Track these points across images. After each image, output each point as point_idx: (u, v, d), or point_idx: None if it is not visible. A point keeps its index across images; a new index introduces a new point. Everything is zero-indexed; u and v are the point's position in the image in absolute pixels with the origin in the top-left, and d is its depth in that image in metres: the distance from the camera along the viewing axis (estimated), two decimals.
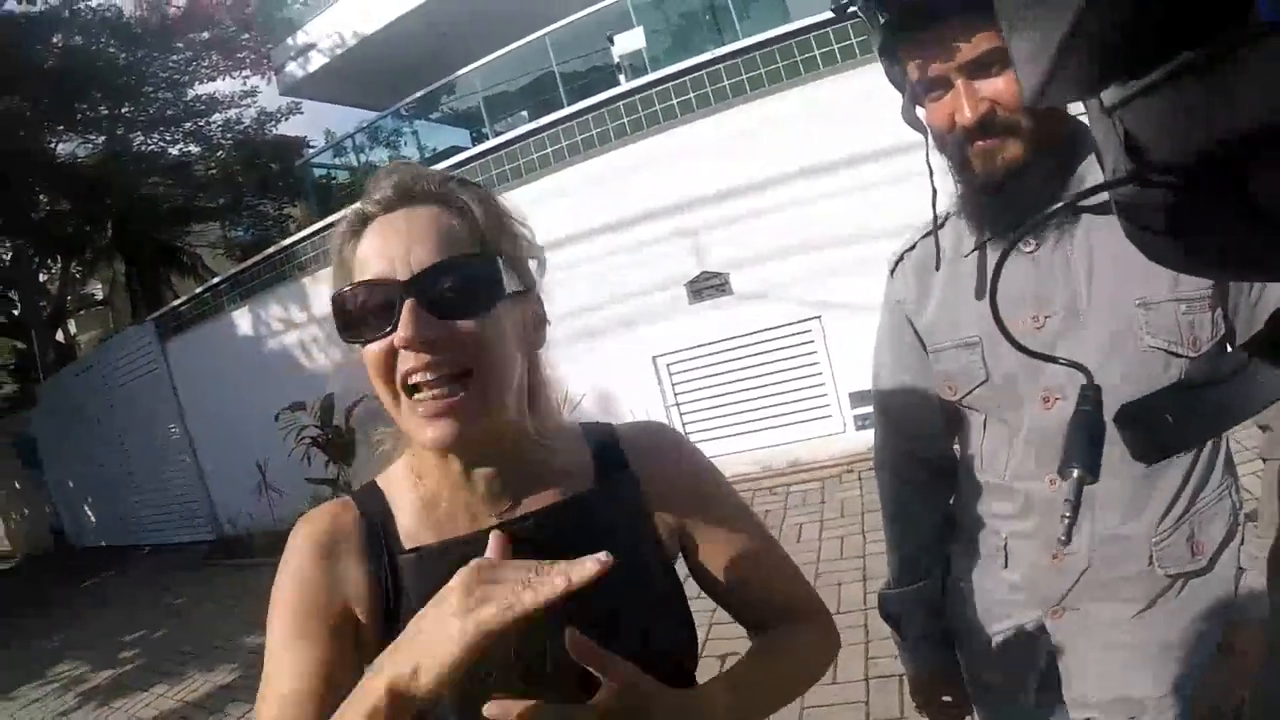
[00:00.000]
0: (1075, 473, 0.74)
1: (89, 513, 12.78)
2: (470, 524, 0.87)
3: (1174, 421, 0.56)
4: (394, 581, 0.86)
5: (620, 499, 0.91)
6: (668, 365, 6.62)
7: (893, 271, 1.31)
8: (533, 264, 0.90)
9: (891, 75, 1.13)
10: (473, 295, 0.78)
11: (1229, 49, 0.32)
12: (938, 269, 1.21)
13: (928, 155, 1.12)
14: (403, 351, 0.77)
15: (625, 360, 6.61)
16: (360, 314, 0.78)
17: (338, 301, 0.80)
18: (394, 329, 0.75)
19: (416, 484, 0.90)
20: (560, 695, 0.75)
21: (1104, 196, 0.42)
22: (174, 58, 14.22)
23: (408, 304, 0.75)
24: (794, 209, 5.78)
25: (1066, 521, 0.75)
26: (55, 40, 12.26)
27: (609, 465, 0.93)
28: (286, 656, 0.81)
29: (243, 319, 9.21)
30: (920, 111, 1.12)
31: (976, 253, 1.16)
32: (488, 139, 8.94)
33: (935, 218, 1.19)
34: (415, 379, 0.77)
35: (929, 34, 1.03)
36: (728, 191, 5.96)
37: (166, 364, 10.07)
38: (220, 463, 9.77)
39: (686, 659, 0.92)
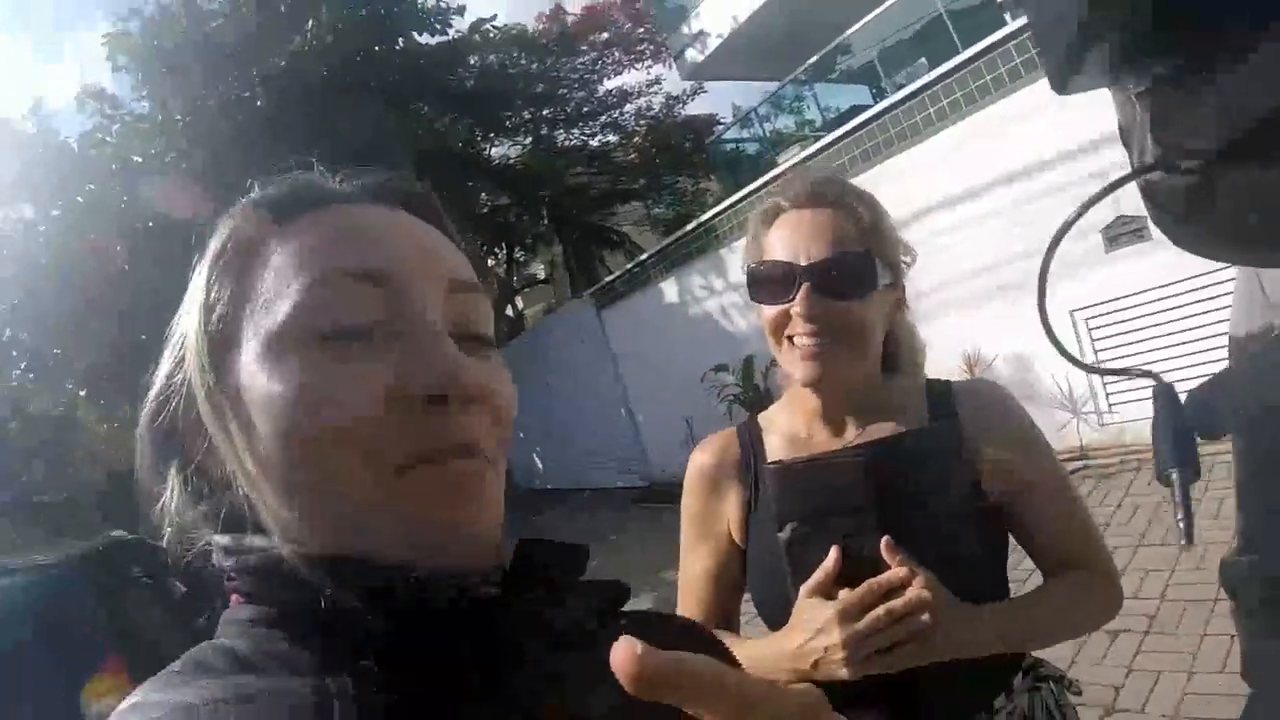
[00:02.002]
0: (1175, 473, 0.68)
1: (537, 460, 14.78)
2: (822, 446, 1.10)
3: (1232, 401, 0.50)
4: (756, 489, 1.11)
5: (944, 437, 1.05)
6: (1086, 320, 6.04)
7: None
8: (905, 259, 1.14)
9: None
10: (854, 284, 1.03)
11: (1253, 38, 0.30)
12: None
13: None
14: (795, 316, 1.02)
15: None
16: (769, 284, 1.05)
17: (753, 272, 1.08)
18: (792, 300, 1.02)
19: (789, 416, 1.16)
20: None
21: None
22: (580, 60, 15.89)
23: (804, 286, 1.01)
24: None
25: (1183, 525, 0.69)
26: (472, 61, 14.01)
27: (940, 412, 1.09)
28: (689, 556, 1.17)
29: (669, 289, 10.13)
30: None
31: None
32: (886, 93, 8.83)
33: None
34: (799, 338, 1.04)
35: None
36: None
37: (604, 331, 11.46)
38: (652, 417, 10.93)
39: (987, 577, 1.06)
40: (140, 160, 10.10)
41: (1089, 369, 0.79)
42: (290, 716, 0.40)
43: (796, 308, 1.03)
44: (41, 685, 3.46)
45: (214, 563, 0.51)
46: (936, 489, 0.93)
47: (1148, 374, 0.75)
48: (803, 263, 1.03)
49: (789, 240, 1.05)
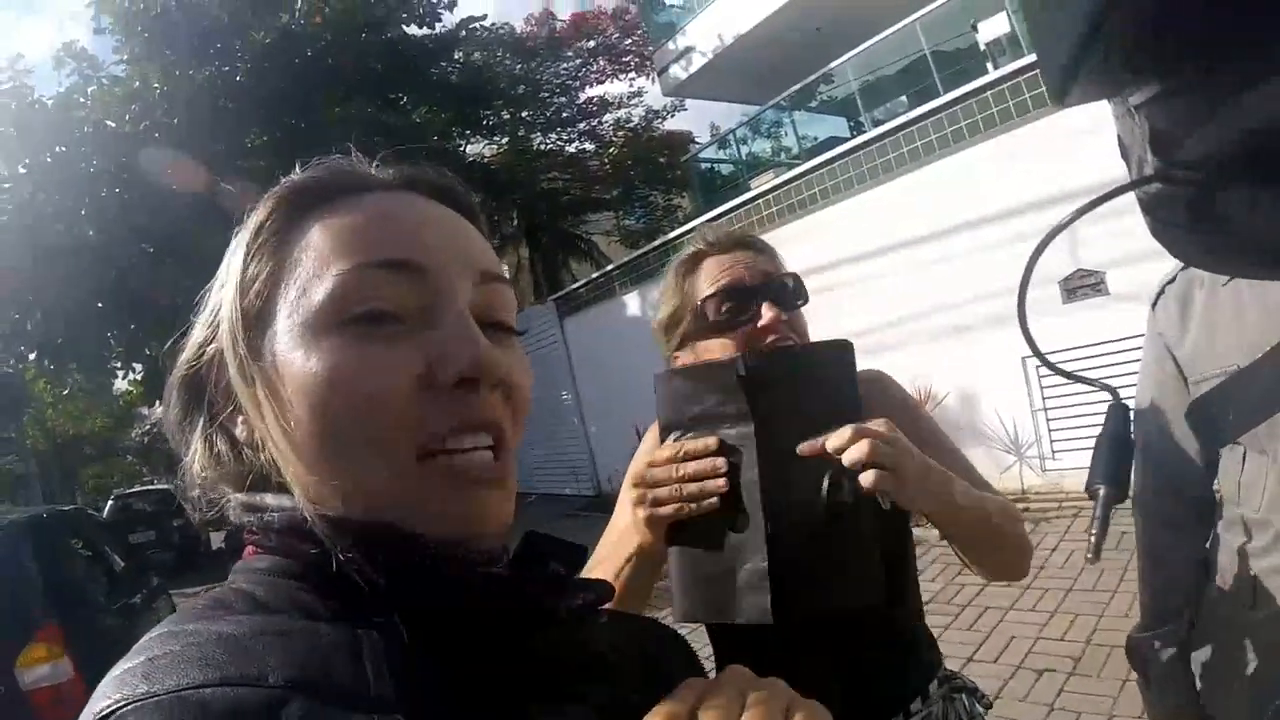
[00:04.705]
0: (1101, 489, 0.71)
1: None
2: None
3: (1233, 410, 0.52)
4: None
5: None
6: (1037, 368, 6.24)
7: (1154, 304, 1.26)
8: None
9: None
10: (800, 297, 1.15)
11: (1252, 50, 0.30)
12: (1193, 299, 1.18)
13: None
14: (757, 332, 1.09)
15: (993, 360, 6.31)
16: (726, 313, 1.11)
17: (704, 305, 1.13)
18: (752, 319, 1.10)
19: None
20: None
21: None
22: (564, 65, 15.96)
23: (766, 301, 1.10)
24: None
25: (1093, 540, 0.72)
26: (456, 57, 13.96)
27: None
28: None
29: (633, 302, 10.19)
30: None
31: (1234, 280, 1.11)
32: (864, 127, 8.98)
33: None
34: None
35: None
36: (1107, 183, 5.31)
37: (564, 338, 11.47)
38: (604, 428, 10.95)
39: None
40: (114, 125, 9.84)
41: (1057, 370, 0.82)
42: (326, 652, 0.41)
43: (764, 321, 1.09)
44: None
45: (233, 519, 0.53)
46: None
47: (1107, 388, 0.76)
48: (758, 283, 1.12)
49: (731, 272, 1.14)
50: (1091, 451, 0.79)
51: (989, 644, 3.91)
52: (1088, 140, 5.42)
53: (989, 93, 6.17)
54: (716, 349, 1.12)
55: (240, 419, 0.53)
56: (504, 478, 0.51)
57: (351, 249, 0.50)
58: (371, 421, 0.47)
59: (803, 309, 1.17)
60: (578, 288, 11.54)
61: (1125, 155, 0.49)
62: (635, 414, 9.56)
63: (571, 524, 9.41)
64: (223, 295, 0.53)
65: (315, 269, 0.50)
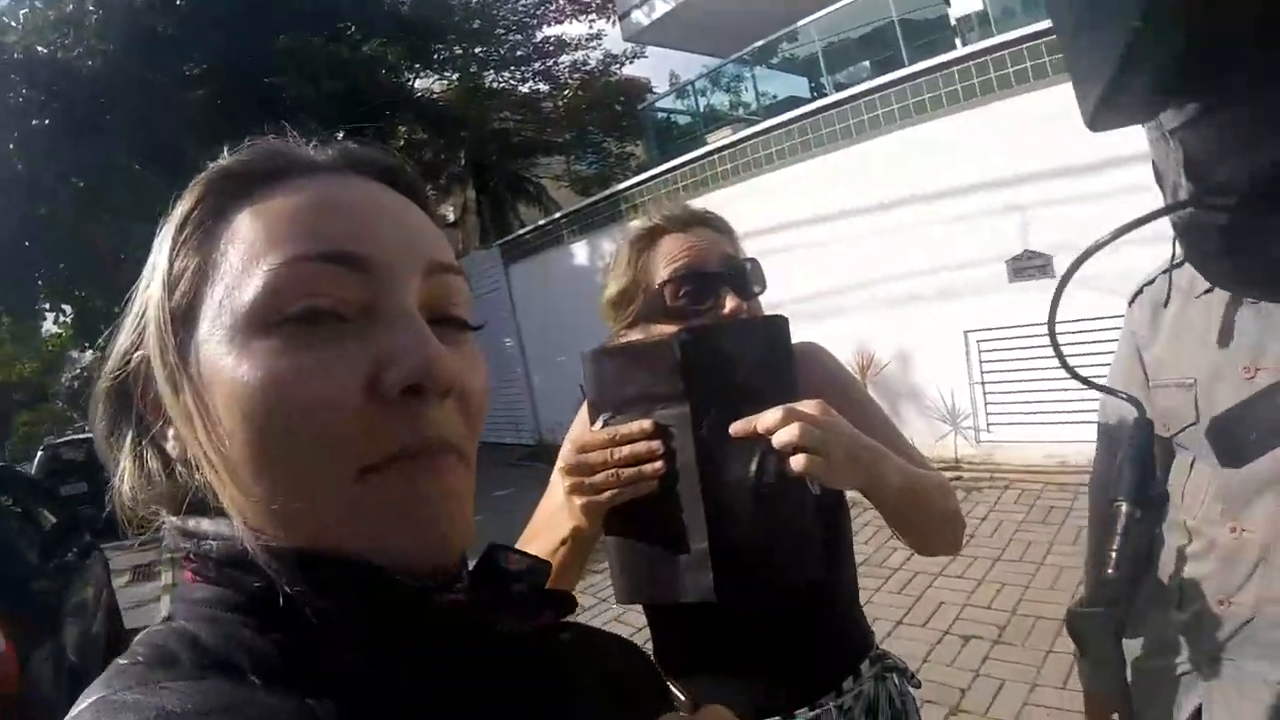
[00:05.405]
0: (1123, 506, 0.73)
1: None
2: None
3: (1254, 430, 0.54)
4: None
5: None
6: (979, 342, 6.38)
7: (1131, 302, 1.31)
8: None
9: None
10: (759, 285, 1.14)
11: None
12: (1166, 305, 1.23)
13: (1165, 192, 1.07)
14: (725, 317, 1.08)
15: (937, 331, 6.46)
16: (685, 296, 1.09)
17: (661, 289, 1.10)
18: (711, 305, 1.08)
19: None
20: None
21: None
22: (522, 2, 15.41)
23: (728, 289, 1.09)
24: (1130, 195, 5.10)
25: (1115, 555, 0.74)
26: None
27: None
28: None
29: (580, 251, 10.05)
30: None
31: (1207, 295, 1.16)
32: (825, 89, 8.92)
33: (1174, 255, 1.14)
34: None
35: None
36: (1062, 169, 5.49)
37: (508, 285, 11.29)
38: (547, 378, 10.88)
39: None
40: (45, 51, 9.28)
41: (1080, 378, 0.81)
42: None
43: (726, 312, 1.08)
44: None
45: (168, 544, 0.48)
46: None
47: (1134, 401, 0.76)
48: (719, 268, 1.10)
49: (691, 254, 1.11)
50: (1119, 465, 0.80)
51: (918, 609, 4.01)
52: (1049, 125, 5.47)
53: (955, 68, 6.14)
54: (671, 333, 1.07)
55: (171, 433, 0.47)
56: (454, 489, 0.46)
57: (285, 240, 0.45)
58: (309, 437, 0.42)
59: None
60: (525, 234, 11.33)
61: (1159, 179, 0.48)
62: (580, 367, 9.42)
63: (513, 474, 9.40)
64: (148, 295, 0.48)
65: (245, 264, 0.44)
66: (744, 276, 1.11)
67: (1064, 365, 0.79)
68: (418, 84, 15.49)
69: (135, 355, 0.48)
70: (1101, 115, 0.41)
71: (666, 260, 1.11)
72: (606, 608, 4.43)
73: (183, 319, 0.45)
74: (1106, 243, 0.64)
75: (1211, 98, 0.35)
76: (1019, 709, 3.00)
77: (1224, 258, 0.43)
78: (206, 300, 0.45)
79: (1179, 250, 1.22)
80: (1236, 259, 0.42)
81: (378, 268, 0.45)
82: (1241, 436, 1.09)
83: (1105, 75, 0.36)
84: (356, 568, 0.42)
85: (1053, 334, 0.75)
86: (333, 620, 0.42)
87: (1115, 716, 1.44)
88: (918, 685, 1.29)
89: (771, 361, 0.89)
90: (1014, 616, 3.72)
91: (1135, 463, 0.78)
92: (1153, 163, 0.46)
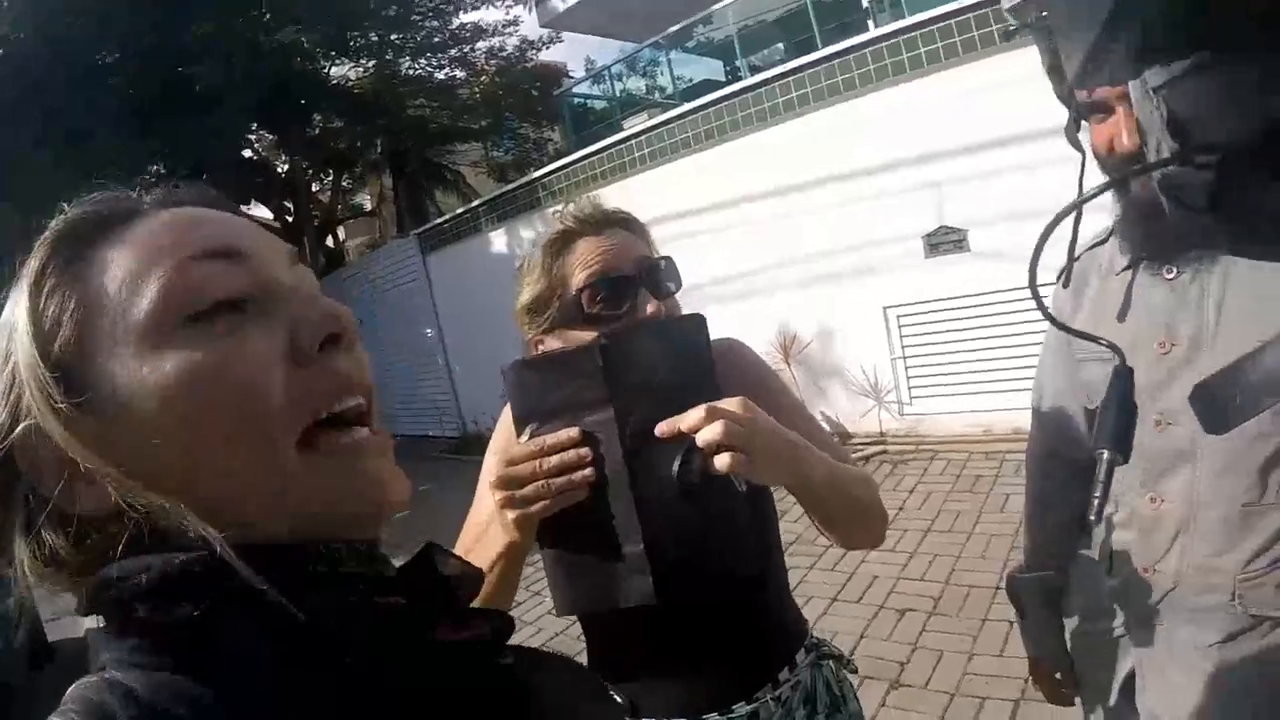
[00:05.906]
0: (1105, 454, 0.75)
1: None
2: None
3: (1240, 394, 0.54)
4: None
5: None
6: (898, 317, 6.48)
7: (1057, 280, 1.33)
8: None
9: (1059, 92, 1.11)
10: (675, 284, 1.14)
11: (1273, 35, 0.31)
12: (1088, 284, 1.27)
13: (1081, 176, 1.07)
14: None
15: (857, 308, 6.54)
16: (603, 301, 1.08)
17: (590, 284, 1.08)
18: (627, 309, 1.07)
19: None
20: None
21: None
22: None
23: (643, 290, 1.08)
24: (1042, 169, 5.09)
25: (1096, 502, 0.77)
26: None
27: None
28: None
29: (499, 239, 9.84)
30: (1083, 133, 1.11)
31: (1126, 272, 1.20)
32: (740, 72, 8.92)
33: (1075, 234, 1.16)
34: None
35: None
36: (975, 146, 5.59)
37: (427, 275, 11.00)
38: (469, 368, 10.64)
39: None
40: None
41: (1062, 326, 0.81)
42: None
43: (643, 314, 1.08)
44: None
45: (83, 614, 0.46)
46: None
47: (1114, 348, 0.75)
48: (633, 272, 1.10)
49: (605, 257, 1.10)
50: (1098, 413, 0.78)
51: (851, 585, 4.01)
52: (961, 103, 5.58)
53: (868, 49, 6.19)
54: (590, 339, 1.03)
55: (79, 487, 0.45)
56: (386, 447, 0.51)
57: (166, 251, 0.47)
58: (249, 415, 0.45)
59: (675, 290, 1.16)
60: (443, 222, 11.03)
61: (1143, 137, 0.48)
62: (502, 354, 9.12)
63: (438, 467, 9.19)
64: (13, 364, 0.46)
65: (130, 284, 0.46)
66: (659, 276, 1.12)
67: (1046, 315, 0.81)
68: (334, 71, 15.08)
69: (17, 431, 0.46)
70: (1088, 73, 0.42)
71: (581, 265, 1.11)
72: (539, 601, 4.31)
73: (70, 364, 0.45)
74: (1091, 197, 0.67)
75: (1200, 54, 0.36)
76: (959, 679, 3.01)
77: (1208, 216, 0.44)
78: (97, 331, 0.45)
79: (1109, 227, 1.23)
80: (1224, 217, 0.43)
81: (253, 257, 0.49)
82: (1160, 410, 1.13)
83: (1092, 32, 0.37)
84: (294, 562, 0.44)
85: (1035, 291, 0.75)
86: (275, 636, 0.42)
87: (1058, 676, 1.49)
88: (854, 670, 1.30)
89: (692, 361, 0.91)
90: (947, 587, 3.76)
91: (1117, 410, 0.75)
92: (1136, 121, 0.50)
